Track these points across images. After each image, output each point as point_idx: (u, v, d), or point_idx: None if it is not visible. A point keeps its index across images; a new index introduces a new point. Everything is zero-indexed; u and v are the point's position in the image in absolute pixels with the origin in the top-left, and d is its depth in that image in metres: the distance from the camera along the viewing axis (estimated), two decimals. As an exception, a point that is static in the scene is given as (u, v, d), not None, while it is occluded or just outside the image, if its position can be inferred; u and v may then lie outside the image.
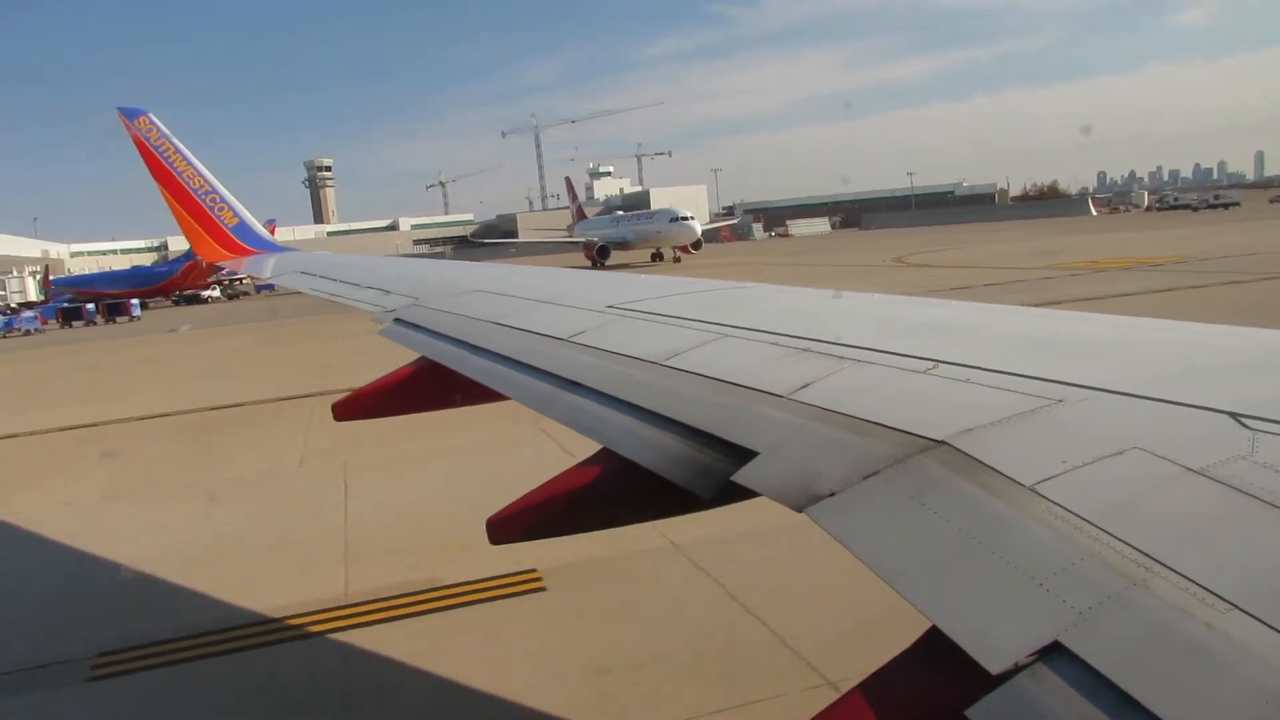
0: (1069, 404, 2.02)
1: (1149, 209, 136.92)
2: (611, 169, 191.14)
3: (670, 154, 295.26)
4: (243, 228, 11.55)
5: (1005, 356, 2.47)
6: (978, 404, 2.12)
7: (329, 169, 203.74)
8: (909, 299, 4.00)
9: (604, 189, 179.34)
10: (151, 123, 10.86)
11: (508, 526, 2.93)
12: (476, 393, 4.11)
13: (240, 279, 75.59)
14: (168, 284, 69.43)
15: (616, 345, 3.48)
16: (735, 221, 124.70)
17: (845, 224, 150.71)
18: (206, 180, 11.25)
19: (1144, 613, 1.32)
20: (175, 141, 10.97)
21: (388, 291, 6.30)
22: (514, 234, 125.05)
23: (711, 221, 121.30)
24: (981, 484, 1.77)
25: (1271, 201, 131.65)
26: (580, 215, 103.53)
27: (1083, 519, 1.56)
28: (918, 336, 2.92)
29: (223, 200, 11.41)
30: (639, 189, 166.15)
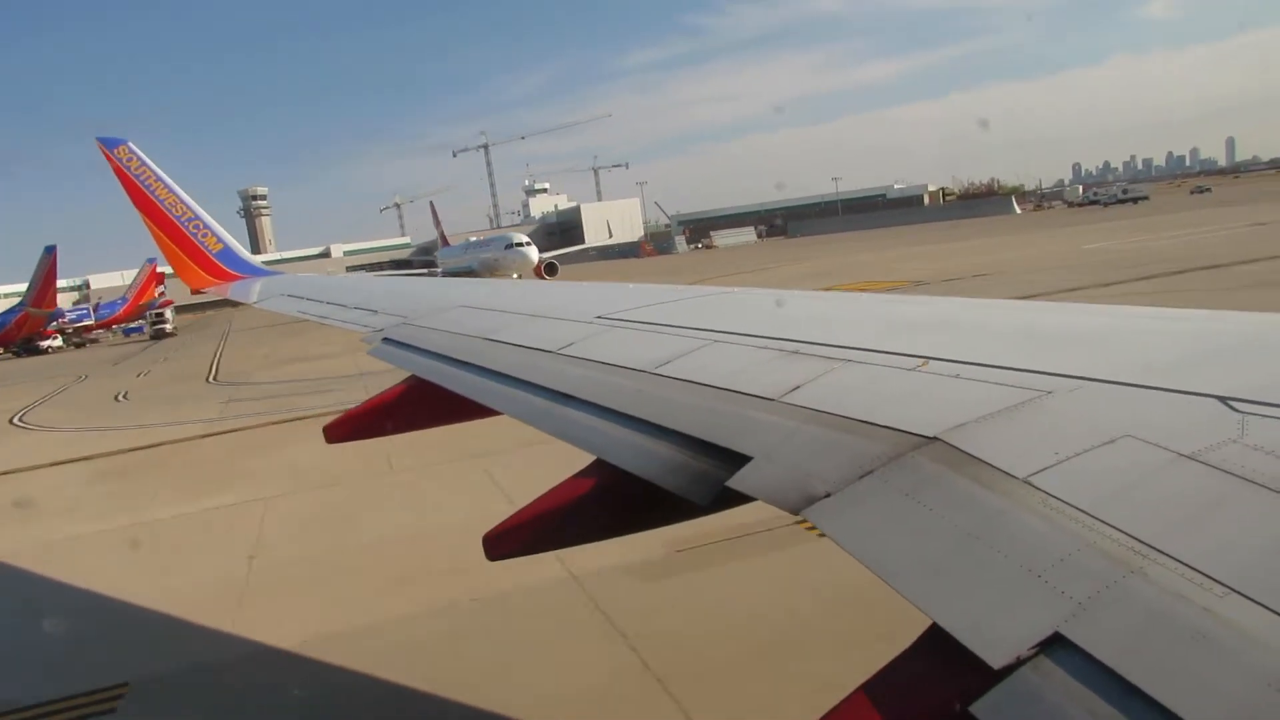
0: (1059, 395, 2.03)
1: (1073, 204, 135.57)
2: (547, 185, 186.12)
3: (627, 166, 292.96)
4: (227, 253, 11.51)
5: (993, 350, 2.48)
6: (968, 399, 2.13)
7: (264, 197, 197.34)
8: (895, 297, 4.01)
9: (540, 206, 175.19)
10: (131, 151, 10.82)
11: (505, 541, 2.92)
12: (468, 409, 4.09)
13: (88, 327, 74.59)
14: (1, 336, 67.99)
15: (606, 355, 3.48)
16: (601, 240, 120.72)
17: (772, 232, 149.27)
18: (189, 207, 11.21)
19: (1142, 600, 1.33)
20: (155, 169, 10.93)
21: (375, 311, 6.28)
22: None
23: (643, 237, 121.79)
24: (975, 478, 1.77)
25: (1192, 193, 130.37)
26: (444, 242, 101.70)
27: (1077, 509, 1.57)
28: (906, 334, 2.93)
29: (206, 226, 11.37)
30: (572, 205, 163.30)
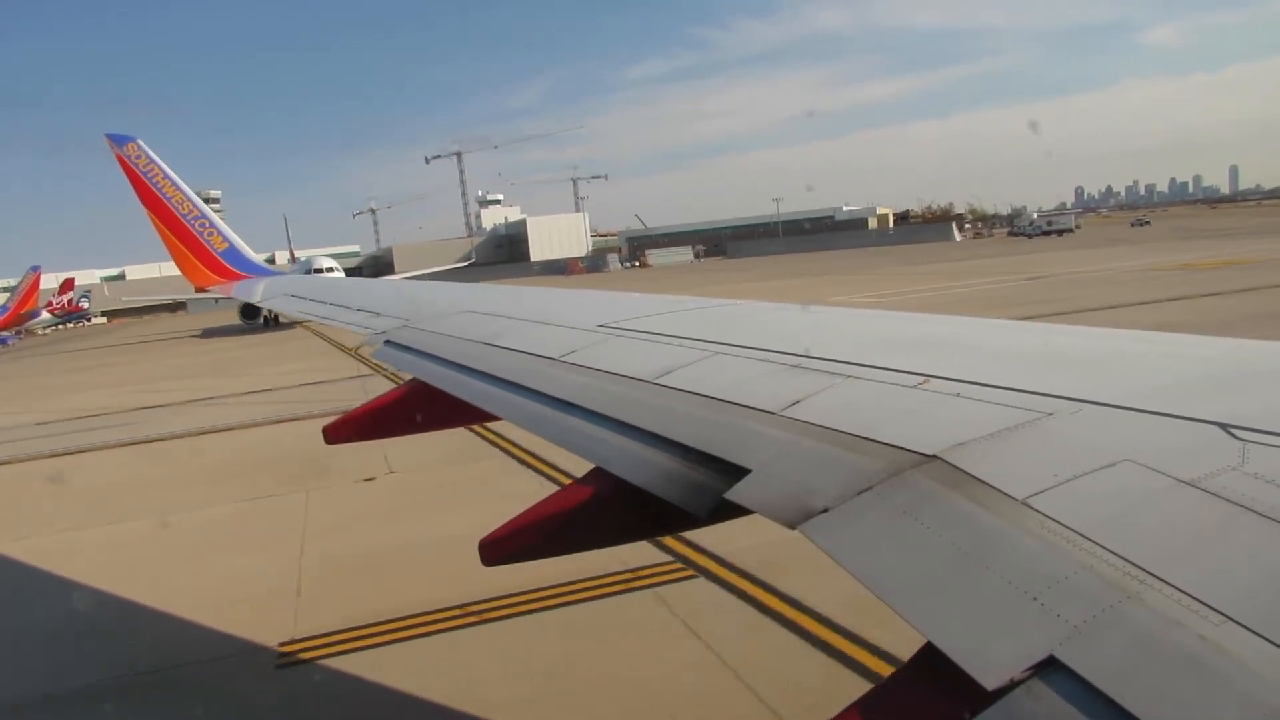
0: (1060, 417, 2.02)
1: (1013, 234, 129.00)
2: (501, 197, 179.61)
3: (606, 177, 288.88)
4: (232, 252, 11.55)
5: (996, 370, 2.48)
6: (969, 418, 2.13)
7: (217, 200, 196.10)
8: (897, 314, 4.01)
9: (492, 218, 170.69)
10: (140, 149, 10.87)
11: (501, 548, 2.91)
12: (468, 414, 4.09)
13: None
14: None
15: (608, 364, 3.48)
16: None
17: (712, 253, 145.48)
18: (195, 205, 11.26)
19: (1138, 626, 1.32)
20: (164, 167, 10.98)
21: (378, 313, 6.28)
22: (393, 267, 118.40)
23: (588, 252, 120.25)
24: (974, 498, 1.77)
25: (1132, 224, 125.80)
26: (293, 259, 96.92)
27: (1075, 532, 1.56)
28: (908, 351, 2.93)
29: (212, 225, 11.42)
30: (522, 217, 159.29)
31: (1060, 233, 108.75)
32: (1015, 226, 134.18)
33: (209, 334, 61.28)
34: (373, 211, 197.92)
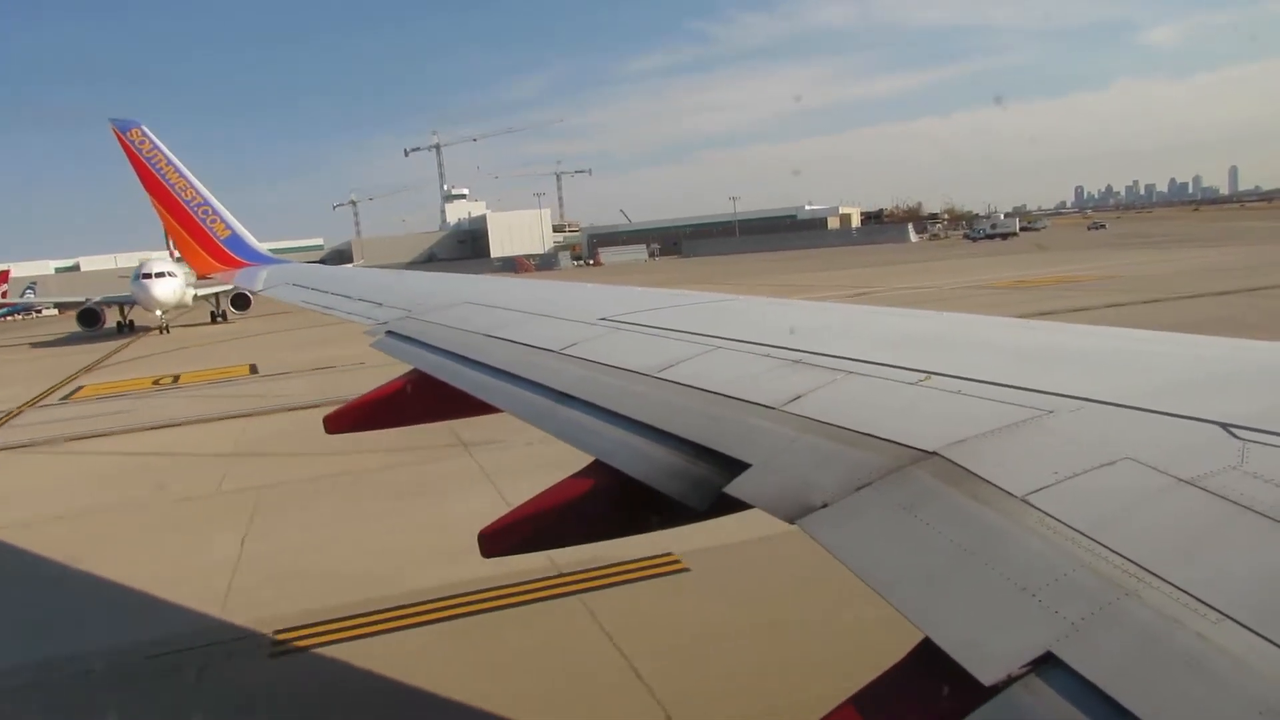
0: (1060, 415, 2.03)
1: (967, 236, 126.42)
2: (466, 191, 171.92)
3: (590, 172, 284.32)
4: (235, 240, 11.52)
5: (996, 368, 2.48)
6: (969, 415, 2.13)
7: None
8: (899, 310, 4.01)
9: (456, 212, 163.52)
10: (144, 134, 10.84)
11: (500, 539, 2.91)
12: (468, 405, 4.10)
13: None
14: None
15: (609, 357, 3.48)
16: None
17: (670, 251, 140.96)
18: (199, 192, 11.23)
19: (1136, 623, 1.32)
20: (168, 153, 10.95)
21: (380, 304, 6.28)
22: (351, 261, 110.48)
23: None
24: (973, 495, 1.77)
25: (1089, 228, 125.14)
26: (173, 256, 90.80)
27: (1074, 529, 1.57)
28: (909, 348, 2.93)
29: (215, 212, 11.39)
30: (484, 213, 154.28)
31: (1004, 236, 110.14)
32: (969, 229, 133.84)
33: (71, 340, 50.73)
34: (353, 203, 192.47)
